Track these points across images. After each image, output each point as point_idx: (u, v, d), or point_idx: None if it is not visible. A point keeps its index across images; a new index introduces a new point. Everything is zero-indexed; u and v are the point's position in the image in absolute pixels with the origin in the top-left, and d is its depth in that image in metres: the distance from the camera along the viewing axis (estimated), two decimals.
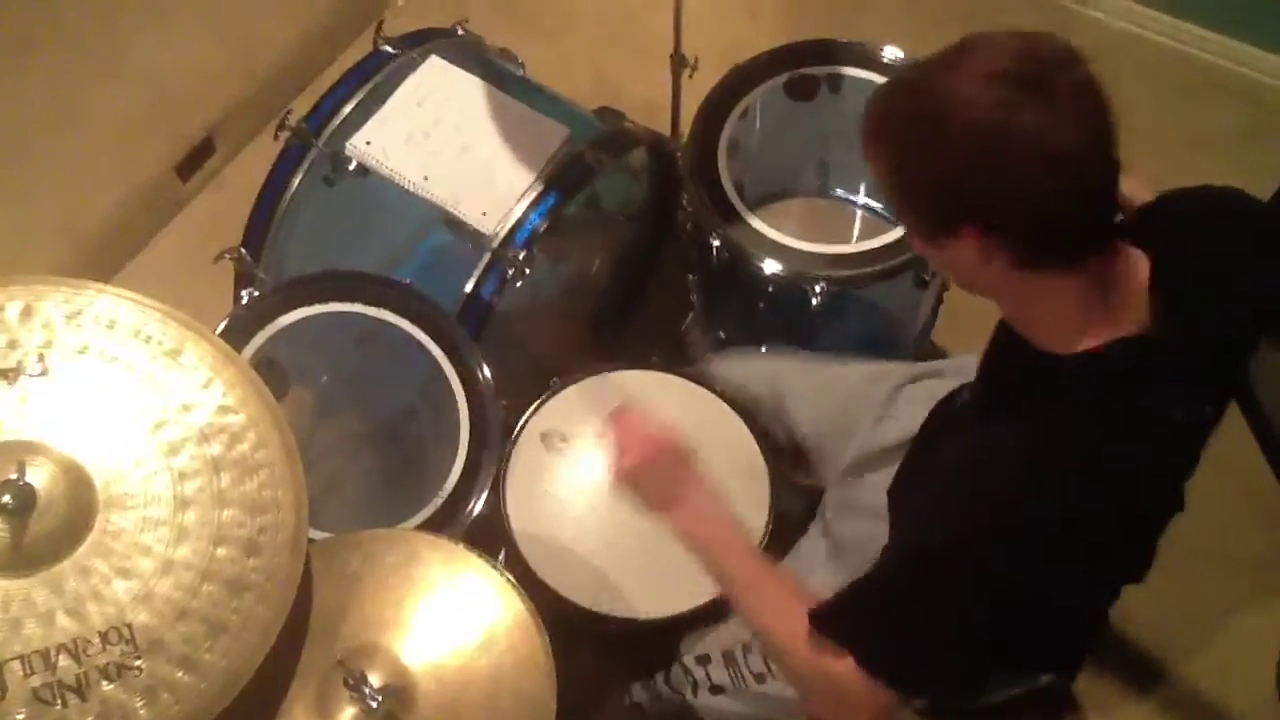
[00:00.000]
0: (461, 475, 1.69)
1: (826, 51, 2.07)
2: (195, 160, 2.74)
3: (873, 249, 1.89)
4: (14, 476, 1.20)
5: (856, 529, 1.68)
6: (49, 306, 1.34)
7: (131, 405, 1.31)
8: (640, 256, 2.44)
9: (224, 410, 1.34)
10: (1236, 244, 1.31)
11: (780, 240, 1.90)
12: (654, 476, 1.40)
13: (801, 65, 2.06)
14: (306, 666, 1.36)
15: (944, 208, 1.14)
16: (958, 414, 1.55)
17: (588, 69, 2.83)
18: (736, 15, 2.89)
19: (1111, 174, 1.13)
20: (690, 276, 2.30)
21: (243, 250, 2.00)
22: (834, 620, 1.25)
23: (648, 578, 1.69)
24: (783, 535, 1.77)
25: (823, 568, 1.70)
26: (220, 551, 1.27)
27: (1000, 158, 1.08)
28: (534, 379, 1.93)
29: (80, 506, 1.24)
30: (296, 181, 2.00)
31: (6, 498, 1.19)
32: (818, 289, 1.86)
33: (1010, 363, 1.30)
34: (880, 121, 1.17)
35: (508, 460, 1.76)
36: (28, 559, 1.21)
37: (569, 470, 1.78)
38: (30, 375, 1.29)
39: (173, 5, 2.77)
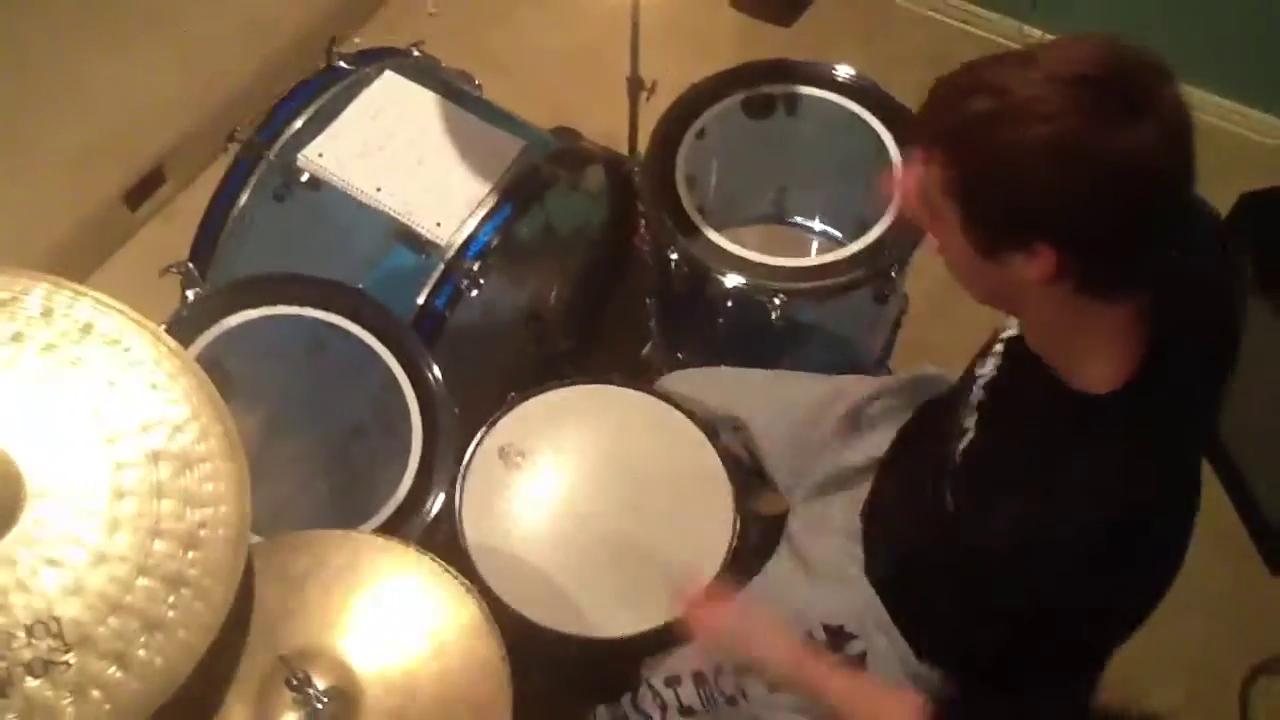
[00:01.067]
0: (414, 483, 1.64)
1: (783, 70, 2.07)
2: (145, 189, 2.69)
3: (832, 261, 1.88)
4: None
5: (827, 548, 1.64)
6: None
7: (67, 393, 1.26)
8: (599, 283, 2.42)
9: (166, 402, 1.29)
10: (1203, 264, 1.30)
11: (739, 253, 1.88)
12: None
13: (759, 84, 2.05)
14: (247, 668, 1.29)
15: (1021, 222, 1.06)
16: (958, 454, 1.41)
17: (545, 102, 2.83)
18: (694, 52, 2.91)
19: (1188, 210, 1.08)
20: (648, 300, 2.27)
21: (190, 265, 1.96)
22: None
23: (609, 596, 1.64)
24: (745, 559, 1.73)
25: (799, 591, 1.64)
26: (157, 545, 1.21)
27: (1092, 178, 1.01)
28: (490, 397, 1.88)
29: (5, 493, 1.18)
30: (246, 195, 1.96)
31: None
32: (776, 301, 1.84)
33: (1030, 397, 1.24)
34: (951, 119, 1.08)
35: (464, 475, 1.71)
36: None
37: (528, 486, 1.73)
38: None
39: (133, 36, 2.77)
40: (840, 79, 2.05)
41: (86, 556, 1.18)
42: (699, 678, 1.59)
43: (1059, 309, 1.12)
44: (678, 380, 1.95)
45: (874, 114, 1.99)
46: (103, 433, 1.25)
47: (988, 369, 1.35)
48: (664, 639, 1.60)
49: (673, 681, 1.61)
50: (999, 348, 1.34)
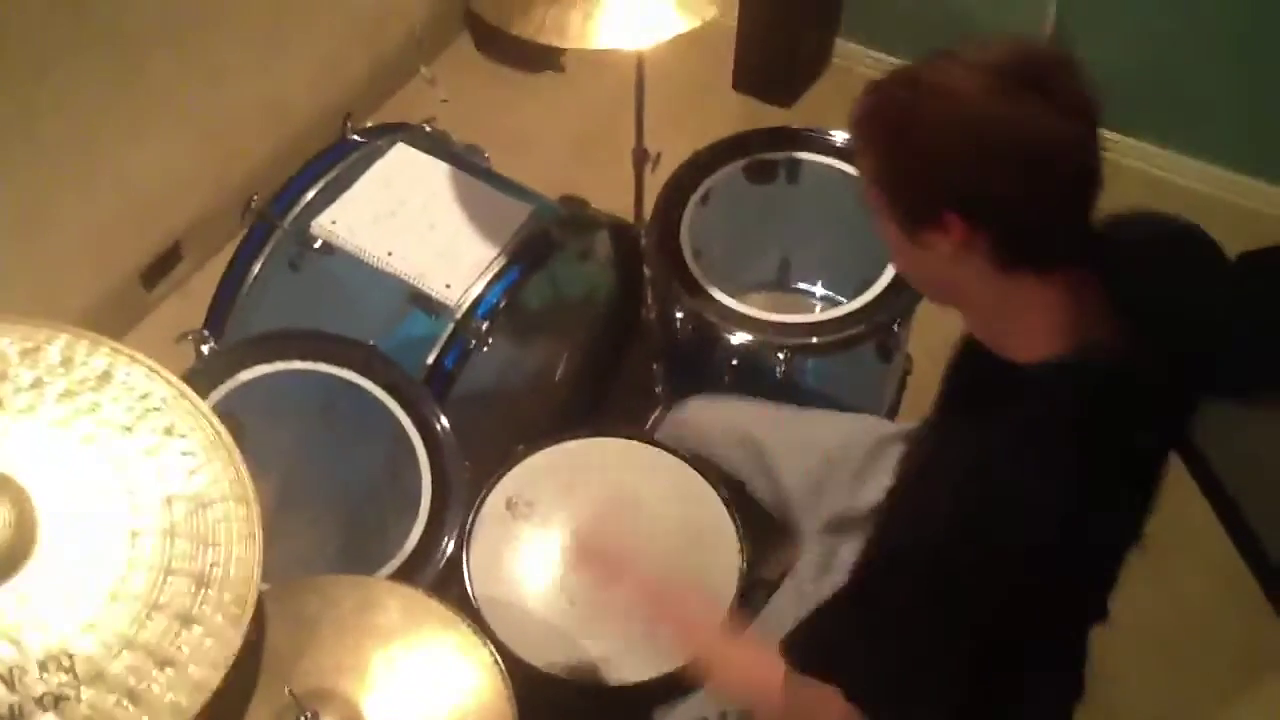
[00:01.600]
0: (424, 533, 1.66)
1: (785, 138, 2.12)
2: (162, 268, 2.75)
3: (836, 317, 1.91)
4: None
5: (832, 587, 1.64)
6: (6, 342, 1.32)
7: (84, 438, 1.28)
8: (607, 352, 2.45)
9: (181, 447, 1.31)
10: (1188, 273, 1.34)
11: (744, 310, 1.91)
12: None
13: (761, 150, 2.11)
14: (258, 707, 1.30)
15: (929, 194, 1.13)
16: (920, 437, 1.53)
17: (553, 178, 2.89)
18: (697, 130, 2.98)
19: (1095, 186, 1.13)
20: (655, 365, 2.30)
21: (205, 333, 1.99)
22: (811, 651, 1.23)
23: (616, 644, 1.64)
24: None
25: None
26: (170, 582, 1.23)
27: (992, 145, 1.08)
28: (496, 457, 1.90)
29: (21, 529, 1.20)
30: (260, 263, 2.01)
31: None
32: (781, 356, 1.87)
33: (975, 376, 1.30)
34: (871, 109, 1.17)
35: (472, 526, 1.73)
36: None
37: (535, 536, 1.74)
38: None
39: (151, 118, 2.84)
40: (840, 145, 2.11)
41: (100, 594, 1.20)
42: None
43: (978, 285, 1.17)
44: (700, 408, 1.97)
45: None
46: (118, 476, 1.27)
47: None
48: (672, 686, 1.60)
49: None
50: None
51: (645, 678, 1.61)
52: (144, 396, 1.33)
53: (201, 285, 2.78)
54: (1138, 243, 1.34)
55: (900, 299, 1.91)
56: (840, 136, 2.11)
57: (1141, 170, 2.92)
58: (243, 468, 1.33)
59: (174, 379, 1.37)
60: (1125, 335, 1.19)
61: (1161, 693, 2.19)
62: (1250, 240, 2.50)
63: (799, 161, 2.11)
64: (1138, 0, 2.63)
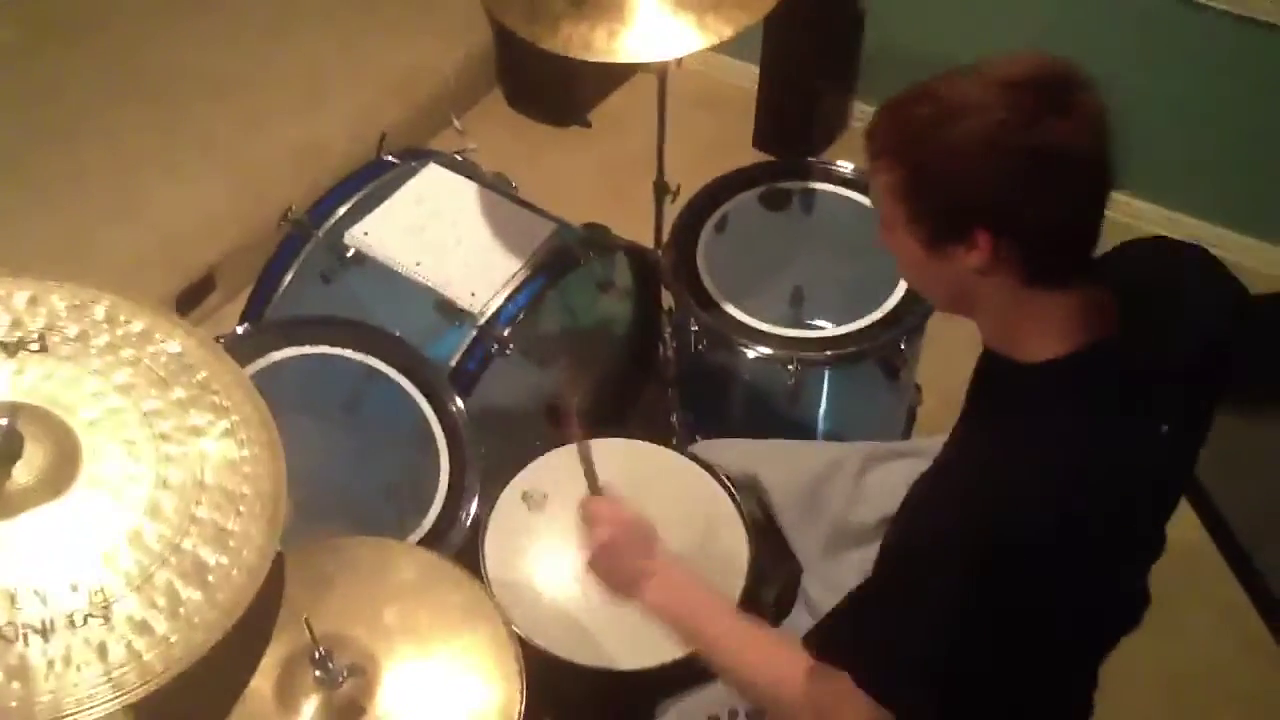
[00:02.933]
0: (441, 510, 1.70)
1: (801, 169, 2.21)
2: (194, 297, 2.83)
3: (845, 333, 1.97)
4: (3, 422, 1.23)
5: None
6: (55, 298, 1.40)
7: (123, 386, 1.35)
8: (622, 385, 2.50)
9: (216, 403, 1.38)
10: (1192, 276, 1.39)
11: (756, 325, 1.98)
12: (622, 557, 1.42)
13: (777, 179, 2.19)
14: (272, 656, 1.34)
15: (959, 211, 1.14)
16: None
17: (575, 217, 2.99)
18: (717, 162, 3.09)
19: (1108, 198, 1.16)
20: (670, 391, 2.36)
21: (238, 330, 2.06)
22: (828, 639, 1.26)
23: (626, 631, 1.67)
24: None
25: None
26: (200, 513, 1.28)
27: (1024, 161, 1.10)
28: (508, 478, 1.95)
29: (64, 460, 1.25)
30: (293, 274, 2.09)
31: None
32: (791, 368, 1.93)
33: (993, 384, 1.30)
34: (892, 128, 1.19)
35: (488, 514, 1.77)
36: (8, 504, 1.22)
37: (548, 526, 1.79)
38: (31, 350, 1.34)
39: (191, 160, 2.97)
40: (852, 177, 2.19)
41: (133, 521, 1.25)
42: None
43: (999, 298, 1.19)
44: (699, 450, 2.02)
45: None
46: (152, 420, 1.33)
47: None
48: (679, 674, 1.63)
49: None
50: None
51: (652, 664, 1.63)
52: (181, 354, 1.41)
53: (233, 314, 2.85)
54: (1142, 252, 1.40)
55: (907, 317, 1.97)
56: (856, 170, 2.19)
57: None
58: (272, 426, 1.40)
59: (207, 339, 1.44)
60: (1134, 333, 1.22)
61: None
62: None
63: (813, 191, 2.19)
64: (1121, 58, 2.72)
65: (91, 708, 1.14)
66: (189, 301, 2.83)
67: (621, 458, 1.88)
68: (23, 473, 1.22)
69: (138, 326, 1.42)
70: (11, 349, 1.34)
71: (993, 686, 1.26)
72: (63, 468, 1.25)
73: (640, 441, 1.91)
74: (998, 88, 1.12)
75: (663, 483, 1.85)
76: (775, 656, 1.33)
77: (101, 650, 1.18)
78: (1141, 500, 1.29)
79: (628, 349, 2.46)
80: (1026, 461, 1.17)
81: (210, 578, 1.26)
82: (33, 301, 1.38)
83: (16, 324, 1.36)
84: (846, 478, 1.80)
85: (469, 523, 1.73)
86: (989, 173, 1.11)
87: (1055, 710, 1.46)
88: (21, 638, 1.16)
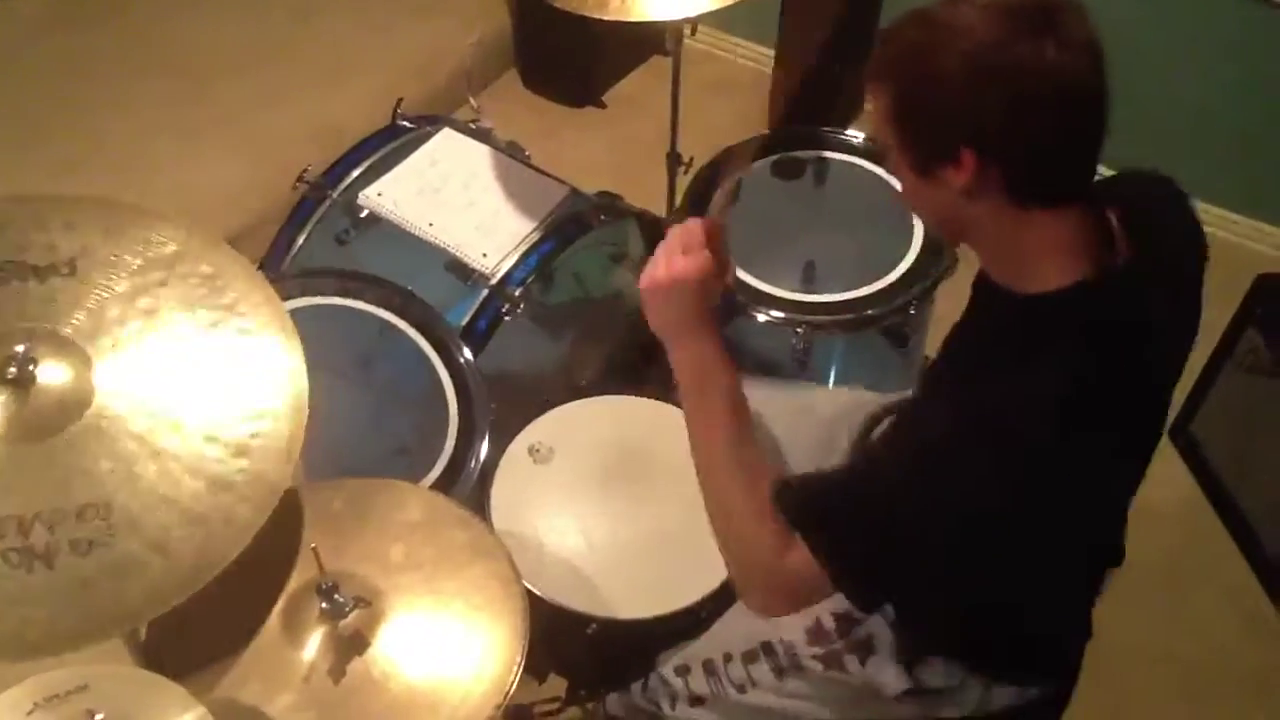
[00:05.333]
0: (450, 460, 1.72)
1: (815, 138, 2.22)
2: None
3: (852, 298, 1.98)
4: (21, 349, 1.25)
5: None
6: (90, 221, 1.41)
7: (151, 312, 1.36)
8: (632, 358, 2.50)
9: (240, 322, 1.39)
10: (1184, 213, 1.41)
11: (764, 289, 1.99)
12: (682, 301, 1.37)
13: (790, 148, 2.20)
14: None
15: (944, 131, 1.16)
16: (928, 379, 1.54)
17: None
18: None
19: (1103, 124, 1.18)
20: None
21: None
22: (795, 502, 1.27)
23: (628, 582, 1.69)
24: None
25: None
26: (210, 450, 1.30)
27: (1007, 82, 1.12)
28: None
29: (79, 387, 1.28)
30: (307, 234, 2.11)
31: (12, 369, 1.24)
32: (799, 331, 1.94)
33: (992, 317, 1.31)
34: (886, 52, 1.21)
35: (494, 467, 1.79)
36: (25, 430, 1.24)
37: (554, 479, 1.81)
38: (63, 275, 1.36)
39: (210, 135, 3.00)
40: (865, 147, 2.20)
41: (145, 452, 1.27)
42: (708, 666, 1.62)
43: (991, 220, 1.20)
44: None
45: None
46: (179, 342, 1.35)
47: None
48: (681, 624, 1.64)
49: (682, 671, 1.63)
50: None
51: (654, 614, 1.65)
52: (210, 277, 1.42)
53: None
54: (1138, 183, 1.41)
55: (915, 284, 1.98)
56: (868, 141, 2.20)
57: None
58: (297, 345, 1.40)
59: (242, 258, 1.45)
60: (1134, 263, 1.24)
61: None
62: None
63: (826, 161, 2.20)
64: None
65: None
66: None
67: (629, 413, 1.90)
68: (39, 398, 1.25)
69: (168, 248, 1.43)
70: (42, 274, 1.37)
71: (987, 588, 1.30)
72: (76, 394, 1.27)
73: (643, 399, 1.93)
74: (985, 11, 1.14)
75: (669, 436, 1.85)
76: (757, 483, 1.32)
77: (116, 571, 1.21)
78: (1128, 426, 1.29)
79: (638, 320, 2.45)
80: (1026, 370, 1.18)
81: (229, 493, 1.27)
82: (69, 226, 1.40)
83: (50, 247, 1.36)
84: (853, 428, 1.80)
85: (476, 474, 1.74)
86: (971, 92, 1.13)
87: (1052, 631, 1.50)
88: (26, 565, 1.19)
